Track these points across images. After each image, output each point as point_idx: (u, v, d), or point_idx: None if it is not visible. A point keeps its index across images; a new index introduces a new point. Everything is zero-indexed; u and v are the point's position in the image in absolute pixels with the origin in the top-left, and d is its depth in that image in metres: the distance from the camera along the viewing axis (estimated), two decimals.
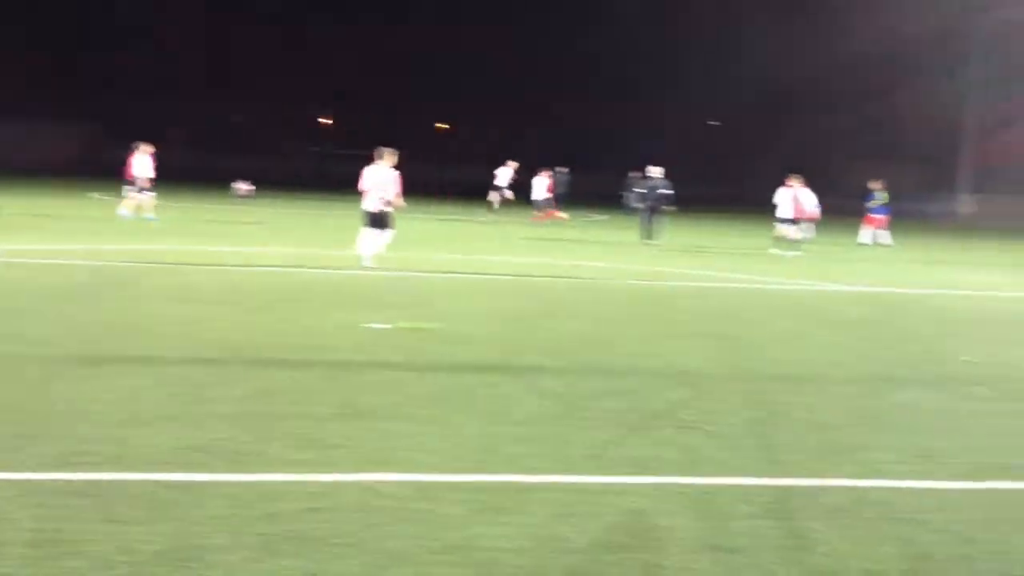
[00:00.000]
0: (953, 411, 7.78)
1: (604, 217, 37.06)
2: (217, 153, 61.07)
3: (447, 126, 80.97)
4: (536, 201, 32.61)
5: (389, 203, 16.16)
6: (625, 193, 35.35)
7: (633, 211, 25.99)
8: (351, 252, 16.63)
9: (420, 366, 8.55)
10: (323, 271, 15.70)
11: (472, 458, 5.86)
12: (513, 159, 36.06)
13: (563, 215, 32.05)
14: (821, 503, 5.38)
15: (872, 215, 29.31)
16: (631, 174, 28.54)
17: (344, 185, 26.26)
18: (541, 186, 32.61)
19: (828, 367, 9.51)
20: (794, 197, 24.41)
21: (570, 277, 16.68)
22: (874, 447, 6.53)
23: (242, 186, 37.63)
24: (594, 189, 45.08)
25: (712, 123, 75.42)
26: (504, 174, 35.90)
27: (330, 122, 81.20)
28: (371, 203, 16.13)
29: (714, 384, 8.43)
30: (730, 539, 4.79)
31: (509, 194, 35.55)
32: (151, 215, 24.22)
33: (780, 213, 24.40)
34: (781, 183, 24.82)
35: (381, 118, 67.81)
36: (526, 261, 18.67)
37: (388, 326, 10.29)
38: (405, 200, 17.05)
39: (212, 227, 24.16)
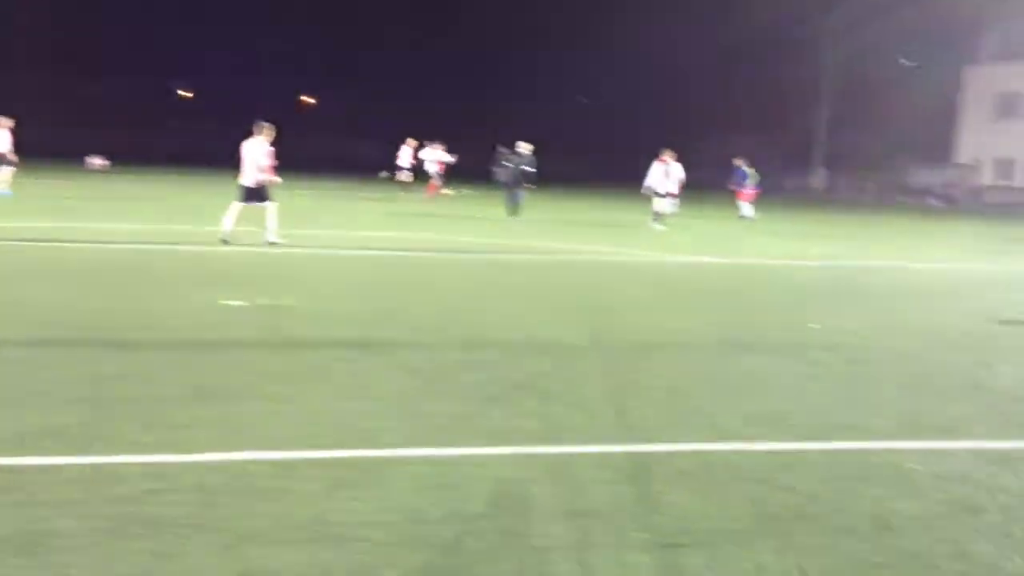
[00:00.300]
0: (799, 375, 8.06)
1: (475, 192, 37.10)
2: (71, 127, 58.42)
3: (312, 100, 79.46)
4: (429, 175, 32.56)
5: (264, 177, 15.89)
6: (494, 168, 35.44)
7: (504, 186, 26.07)
8: (212, 228, 16.17)
9: (276, 344, 8.37)
10: (181, 248, 15.22)
11: (328, 435, 5.77)
12: (410, 137, 35.87)
13: (449, 191, 31.99)
14: (675, 467, 5.50)
15: (741, 190, 30.22)
16: (500, 149, 28.55)
17: (206, 160, 25.72)
18: (432, 159, 32.51)
19: (684, 335, 9.74)
20: (666, 171, 25.00)
21: (438, 252, 16.63)
22: (725, 411, 6.71)
23: (96, 160, 36.16)
24: (466, 165, 45.08)
25: (581, 99, 76.17)
26: (405, 153, 35.73)
27: (190, 95, 78.70)
28: (248, 177, 15.84)
29: (575, 354, 8.53)
30: (587, 504, 4.85)
31: (408, 175, 35.33)
32: (6, 190, 23.23)
33: (655, 188, 24.94)
34: (653, 158, 25.31)
35: (243, 90, 66.19)
36: (398, 236, 18.54)
37: (244, 303, 10.04)
38: (282, 175, 16.74)
39: (68, 203, 23.21)
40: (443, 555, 4.19)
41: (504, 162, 27.40)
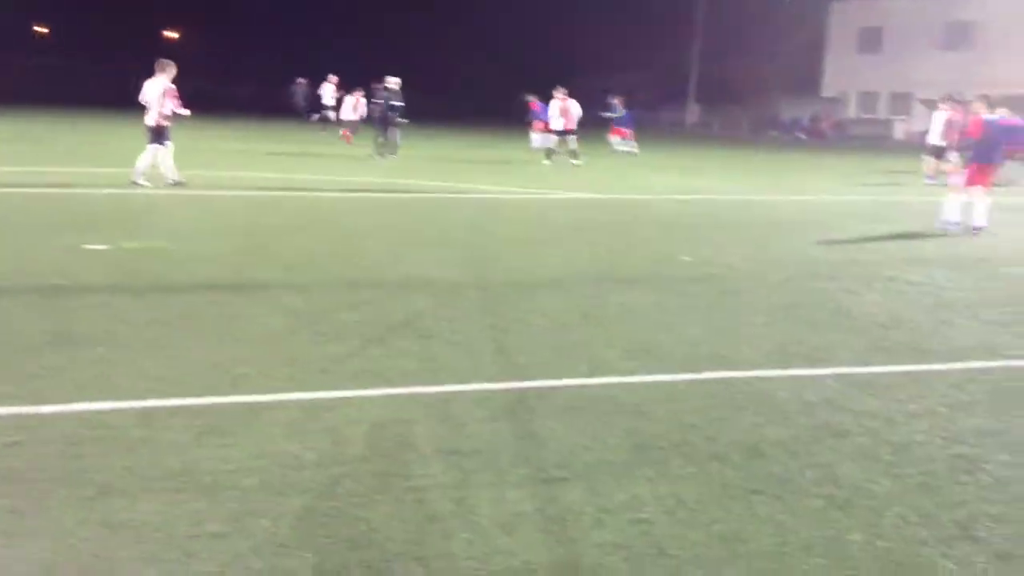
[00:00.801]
0: (673, 308, 8.18)
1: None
2: None
3: (175, 34, 76.36)
4: (343, 120, 31.60)
5: (168, 117, 15.25)
6: (368, 105, 34.77)
7: (376, 123, 25.39)
8: (80, 169, 15.42)
9: (143, 288, 8.05)
10: (51, 190, 14.48)
11: (197, 382, 5.57)
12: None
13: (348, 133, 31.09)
14: (554, 402, 5.52)
15: (616, 126, 30.57)
16: (373, 85, 27.81)
17: (76, 99, 24.30)
18: (348, 104, 31.60)
19: (562, 271, 9.77)
20: (563, 109, 25.13)
21: (314, 191, 16.25)
22: (602, 345, 6.76)
23: None
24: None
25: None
26: (328, 91, 34.87)
27: (45, 31, 74.65)
28: (151, 117, 15.22)
29: (454, 292, 8.46)
30: (466, 443, 4.82)
31: (332, 115, 34.48)
32: None
33: (553, 125, 25.28)
34: (533, 95, 25.41)
35: (104, 27, 63.14)
36: (278, 177, 18.03)
37: (109, 247, 9.62)
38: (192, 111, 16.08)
39: None
40: (319, 499, 4.10)
41: (374, 99, 26.77)
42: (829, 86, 63.37)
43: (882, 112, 58.46)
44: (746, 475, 4.56)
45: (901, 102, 57.15)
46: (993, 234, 13.83)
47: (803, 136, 53.89)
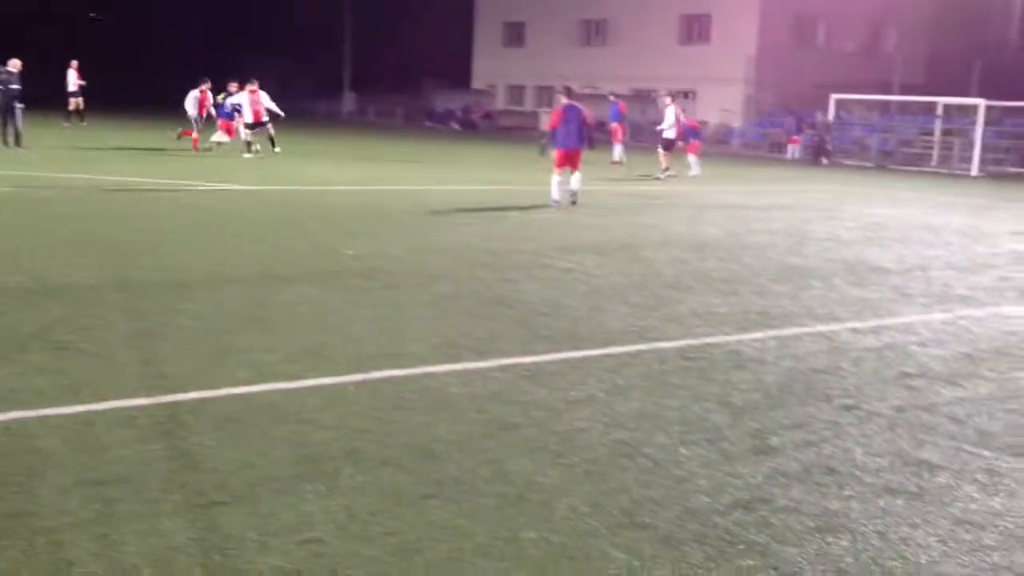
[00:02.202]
0: (337, 305, 7.93)
1: None
2: None
3: None
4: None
5: None
6: None
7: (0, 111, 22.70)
8: None
9: None
10: None
11: None
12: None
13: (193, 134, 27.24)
14: (210, 415, 5.09)
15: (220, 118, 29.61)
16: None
17: None
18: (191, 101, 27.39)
19: (217, 270, 9.21)
20: (253, 101, 24.01)
21: None
22: (262, 349, 6.39)
23: None
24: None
25: (95, 16, 70.05)
26: (71, 77, 30.80)
27: None
28: None
29: (94, 297, 7.70)
30: (110, 470, 4.32)
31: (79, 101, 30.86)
32: None
33: (247, 119, 24.23)
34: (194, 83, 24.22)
35: None
36: None
37: None
38: None
39: None
40: None
41: None
42: (479, 78, 65.49)
43: (528, 104, 61.20)
44: (419, 479, 4.41)
45: (546, 95, 60.17)
46: (635, 219, 14.79)
47: (457, 126, 55.34)
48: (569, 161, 16.17)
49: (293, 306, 7.75)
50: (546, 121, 22.09)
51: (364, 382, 5.82)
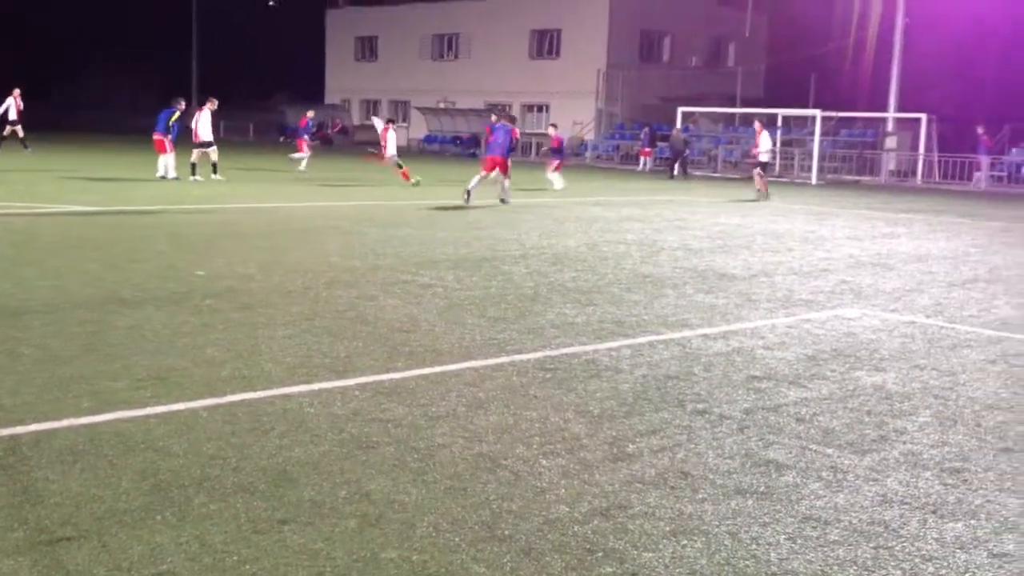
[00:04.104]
0: (189, 327, 7.69)
1: None
2: None
3: None
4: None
5: None
6: None
7: None
8: None
9: None
10: None
11: None
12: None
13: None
14: (52, 448, 4.86)
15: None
16: None
17: None
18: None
19: (57, 294, 8.81)
20: (197, 119, 24.11)
21: None
22: (107, 376, 6.14)
23: None
24: None
25: None
26: (10, 105, 29.13)
27: None
28: None
29: None
30: None
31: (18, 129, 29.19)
32: None
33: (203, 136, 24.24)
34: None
35: None
36: None
37: None
38: None
39: None
40: None
41: None
42: (333, 93, 64.85)
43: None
44: (275, 504, 4.31)
45: (401, 109, 60.02)
46: (494, 233, 14.89)
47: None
48: (496, 167, 20.32)
49: (139, 330, 7.48)
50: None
51: (217, 406, 5.66)
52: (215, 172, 24.41)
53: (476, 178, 20.13)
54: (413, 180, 24.72)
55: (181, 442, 5.03)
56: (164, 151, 23.57)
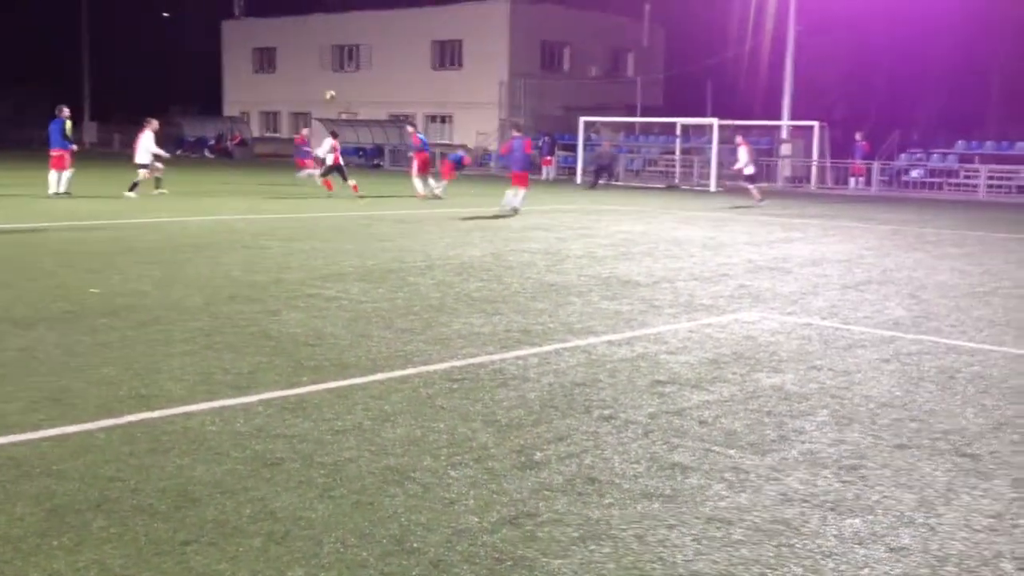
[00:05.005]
0: (84, 347, 7.47)
1: None
2: None
3: None
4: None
5: None
6: None
7: None
8: None
9: None
10: None
11: None
12: None
13: None
14: None
15: None
16: None
17: None
18: None
19: None
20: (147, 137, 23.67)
21: None
22: (1, 399, 5.92)
23: None
24: None
25: None
26: None
27: None
28: None
29: None
30: None
31: None
32: None
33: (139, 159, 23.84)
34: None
35: None
36: None
37: None
38: None
39: None
40: None
41: None
42: (231, 105, 63.75)
43: (284, 131, 60.15)
44: (177, 525, 4.21)
45: (302, 120, 59.36)
46: (399, 244, 14.82)
47: (210, 155, 53.67)
48: (518, 180, 21.64)
49: (31, 351, 7.24)
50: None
51: (114, 427, 5.51)
52: (158, 187, 24.23)
53: (517, 194, 21.44)
54: (329, 191, 25.15)
55: (77, 465, 4.88)
56: (63, 167, 22.84)
